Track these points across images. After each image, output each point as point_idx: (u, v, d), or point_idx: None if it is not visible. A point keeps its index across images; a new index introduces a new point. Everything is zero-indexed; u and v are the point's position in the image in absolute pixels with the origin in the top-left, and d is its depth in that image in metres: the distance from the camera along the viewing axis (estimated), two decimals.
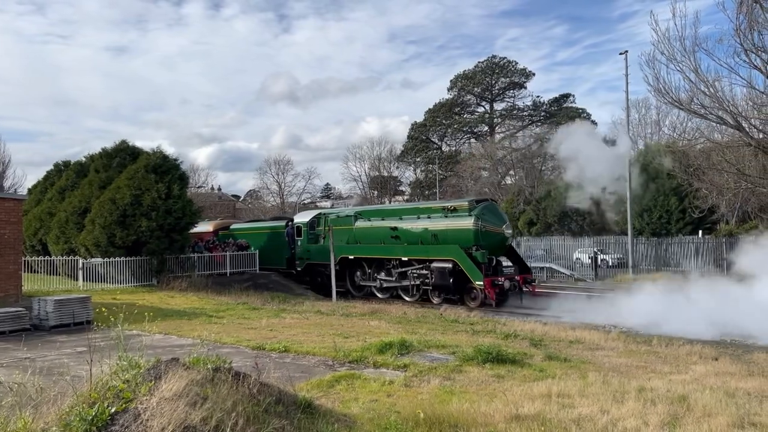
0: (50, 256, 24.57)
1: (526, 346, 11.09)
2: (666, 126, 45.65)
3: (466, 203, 21.02)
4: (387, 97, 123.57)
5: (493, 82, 69.73)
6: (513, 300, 20.35)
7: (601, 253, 36.18)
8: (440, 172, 63.32)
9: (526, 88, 69.72)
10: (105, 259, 22.31)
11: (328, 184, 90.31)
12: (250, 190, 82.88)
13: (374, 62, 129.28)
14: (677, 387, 7.67)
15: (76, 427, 4.48)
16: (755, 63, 29.75)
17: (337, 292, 23.03)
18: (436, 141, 72.38)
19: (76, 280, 22.38)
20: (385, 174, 75.24)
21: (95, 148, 27.68)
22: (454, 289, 20.21)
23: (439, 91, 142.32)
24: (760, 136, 30.31)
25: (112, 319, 6.46)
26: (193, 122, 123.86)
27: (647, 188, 36.01)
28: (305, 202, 75.61)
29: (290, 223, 27.97)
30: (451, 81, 70.99)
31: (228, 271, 25.87)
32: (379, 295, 23.05)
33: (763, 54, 29.43)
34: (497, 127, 70.82)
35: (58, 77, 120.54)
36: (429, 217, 21.77)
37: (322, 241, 25.38)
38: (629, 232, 31.95)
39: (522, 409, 6.38)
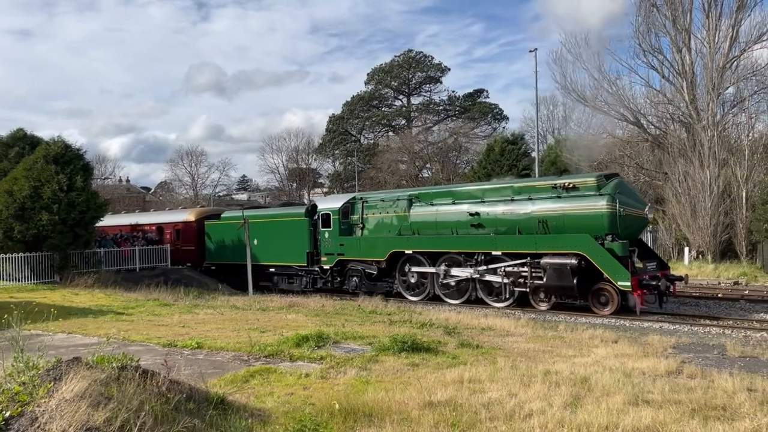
0: None
1: (440, 334, 11.37)
2: (573, 122, 47.74)
3: (593, 179, 16.22)
4: (313, 90, 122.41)
5: (410, 76, 70.41)
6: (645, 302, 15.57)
7: None
8: (359, 164, 63.42)
9: (441, 82, 70.85)
10: (1, 256, 20.90)
11: (244, 176, 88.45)
12: (162, 182, 79.54)
13: (296, 54, 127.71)
14: (580, 369, 8.11)
15: None
16: (652, 64, 31.92)
17: (380, 294, 19.45)
18: (355, 134, 72.35)
19: None
20: (304, 166, 74.44)
21: None
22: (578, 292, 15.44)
23: (362, 85, 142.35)
24: (657, 132, 32.48)
25: (7, 317, 6.10)
26: (110, 112, 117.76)
27: None
28: (220, 194, 73.67)
29: (313, 210, 22.71)
30: (368, 74, 71.04)
31: (138, 266, 24.87)
32: (450, 301, 18.18)
33: (659, 55, 31.57)
34: (414, 121, 71.59)
35: None
36: (530, 199, 16.90)
37: (360, 232, 20.79)
38: None
39: (435, 395, 6.55)
